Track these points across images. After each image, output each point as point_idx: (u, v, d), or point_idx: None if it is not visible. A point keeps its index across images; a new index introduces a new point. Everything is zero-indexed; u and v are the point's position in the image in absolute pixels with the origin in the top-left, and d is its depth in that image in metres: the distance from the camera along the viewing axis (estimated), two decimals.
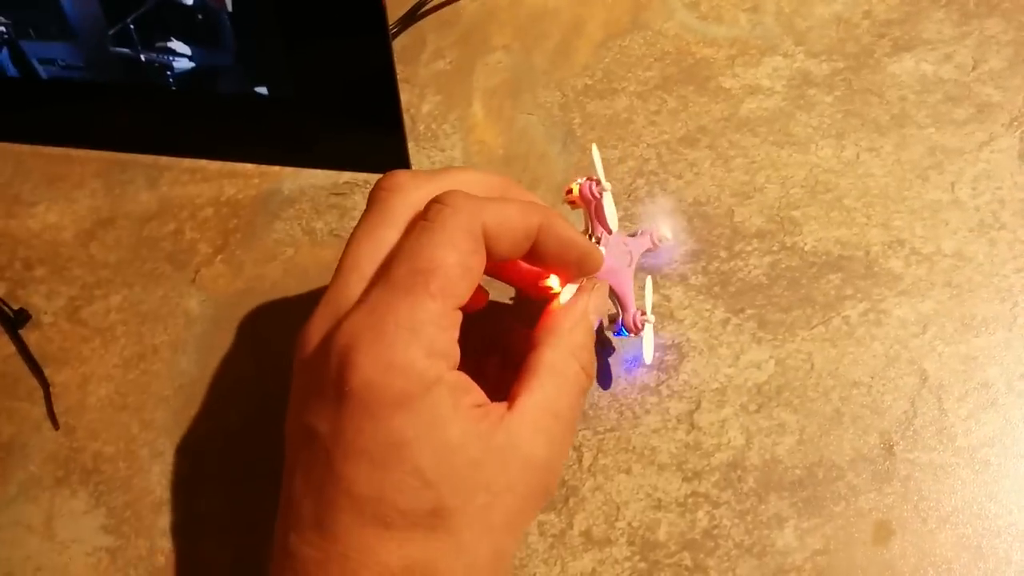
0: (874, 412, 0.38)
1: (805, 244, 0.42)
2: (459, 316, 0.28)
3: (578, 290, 0.33)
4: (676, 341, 0.40)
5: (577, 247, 0.32)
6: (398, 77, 0.43)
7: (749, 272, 0.41)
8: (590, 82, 0.47)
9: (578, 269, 0.33)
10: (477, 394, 0.29)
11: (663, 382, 0.39)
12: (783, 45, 0.47)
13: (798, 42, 0.47)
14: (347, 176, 0.45)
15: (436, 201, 0.29)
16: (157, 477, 0.39)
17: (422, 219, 0.28)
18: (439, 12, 0.49)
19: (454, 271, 0.27)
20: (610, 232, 0.36)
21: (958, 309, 0.40)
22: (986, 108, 0.44)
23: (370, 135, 0.44)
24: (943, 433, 0.38)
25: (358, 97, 0.43)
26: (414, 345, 0.26)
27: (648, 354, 0.38)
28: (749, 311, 0.41)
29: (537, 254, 0.31)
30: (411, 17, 0.49)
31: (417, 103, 0.47)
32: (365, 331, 0.26)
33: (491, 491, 0.27)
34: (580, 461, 0.38)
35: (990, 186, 0.43)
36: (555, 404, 0.30)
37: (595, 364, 0.32)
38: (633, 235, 0.39)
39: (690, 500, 0.37)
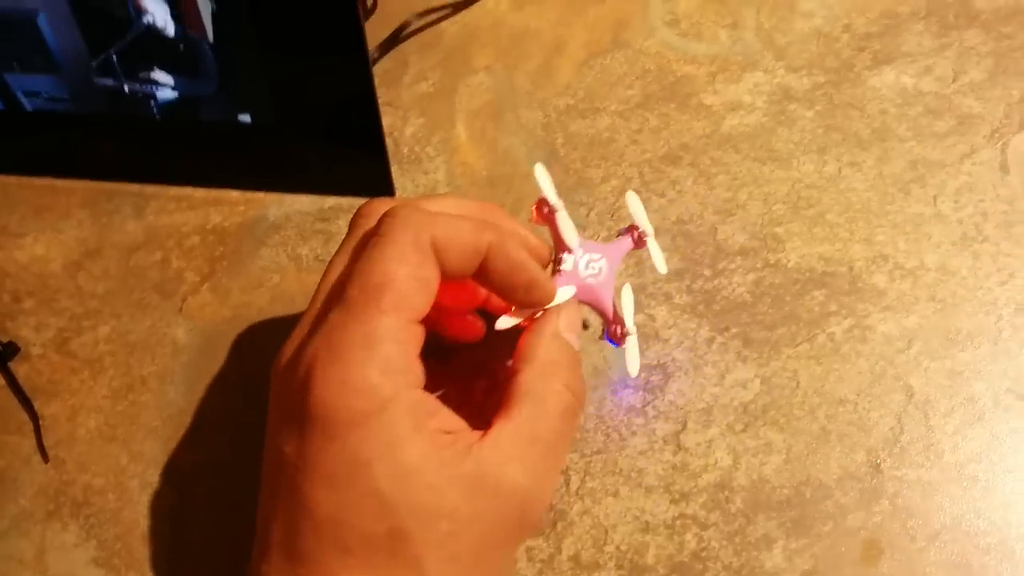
0: (860, 429, 0.38)
1: (789, 261, 0.42)
2: (419, 331, 0.28)
3: (545, 311, 0.32)
4: (661, 361, 0.40)
5: (526, 272, 0.30)
6: (381, 100, 0.43)
7: (733, 290, 0.42)
8: (572, 102, 0.47)
9: (526, 296, 0.31)
10: (445, 417, 0.28)
11: (649, 403, 0.39)
12: (763, 61, 0.47)
13: (778, 57, 0.47)
14: (332, 201, 0.46)
15: (387, 215, 0.28)
16: (146, 509, 0.39)
17: (373, 233, 0.28)
18: (421, 35, 0.50)
19: (406, 284, 0.27)
20: (570, 251, 0.34)
21: (943, 323, 0.40)
22: (967, 120, 0.44)
23: (354, 159, 0.44)
24: (930, 449, 0.38)
25: (340, 122, 0.44)
26: (369, 363, 0.26)
27: (632, 367, 0.37)
28: (734, 329, 0.41)
29: (486, 274, 0.30)
30: (393, 40, 0.49)
31: (400, 126, 0.47)
32: (322, 352, 0.26)
33: (454, 519, 0.26)
34: (568, 484, 0.38)
35: (972, 199, 0.43)
36: (533, 428, 0.28)
37: (581, 382, 0.31)
38: (611, 240, 0.37)
39: (678, 522, 0.37)
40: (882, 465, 0.38)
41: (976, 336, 0.40)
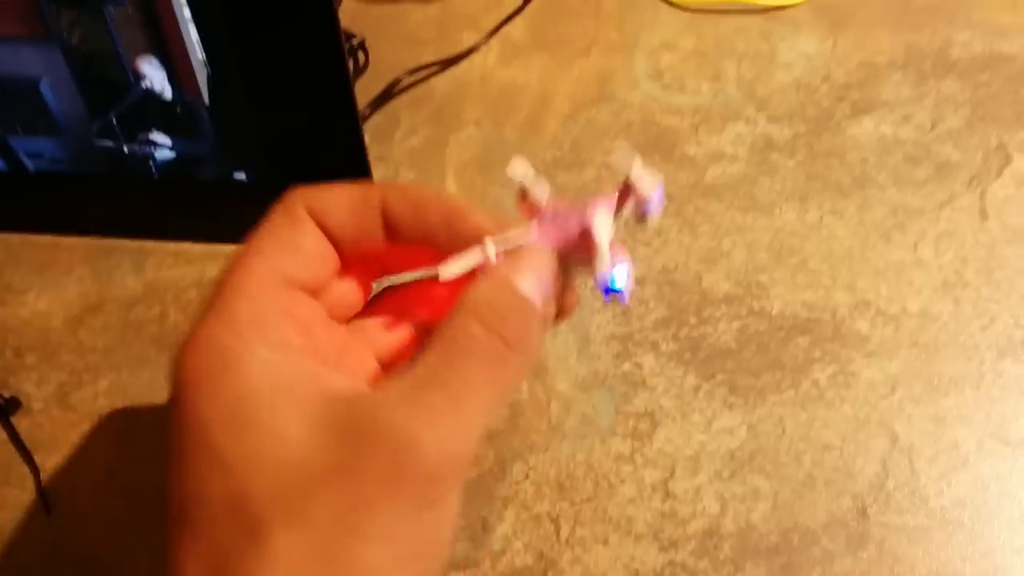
0: (846, 475, 0.39)
1: (772, 308, 0.43)
2: (293, 295, 0.25)
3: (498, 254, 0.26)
4: (649, 408, 0.41)
5: (436, 205, 0.26)
6: (373, 155, 0.44)
7: (719, 337, 0.42)
8: (559, 154, 0.48)
9: (450, 234, 0.26)
10: (332, 378, 0.24)
11: (637, 450, 0.40)
12: (745, 111, 0.48)
13: (759, 108, 0.48)
14: None
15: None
16: (146, 563, 0.40)
17: None
18: (412, 90, 0.51)
19: (269, 248, 0.25)
20: (541, 208, 0.28)
21: (925, 369, 0.41)
22: (945, 167, 0.45)
23: None
24: (916, 495, 0.38)
25: (333, 177, 0.45)
26: (214, 321, 0.24)
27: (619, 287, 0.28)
28: (720, 376, 0.41)
29: (396, 227, 0.26)
30: (385, 97, 0.51)
31: (392, 179, 0.48)
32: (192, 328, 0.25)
33: (308, 471, 0.22)
34: (558, 533, 0.39)
35: (952, 244, 0.43)
36: (433, 372, 0.23)
37: (523, 332, 0.24)
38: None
39: (667, 570, 0.38)
40: (868, 511, 0.38)
41: (959, 381, 0.40)
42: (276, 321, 0.24)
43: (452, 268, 0.26)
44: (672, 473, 0.39)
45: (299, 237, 0.26)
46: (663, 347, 0.42)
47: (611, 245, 0.27)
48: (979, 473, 0.38)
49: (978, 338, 0.41)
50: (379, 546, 0.21)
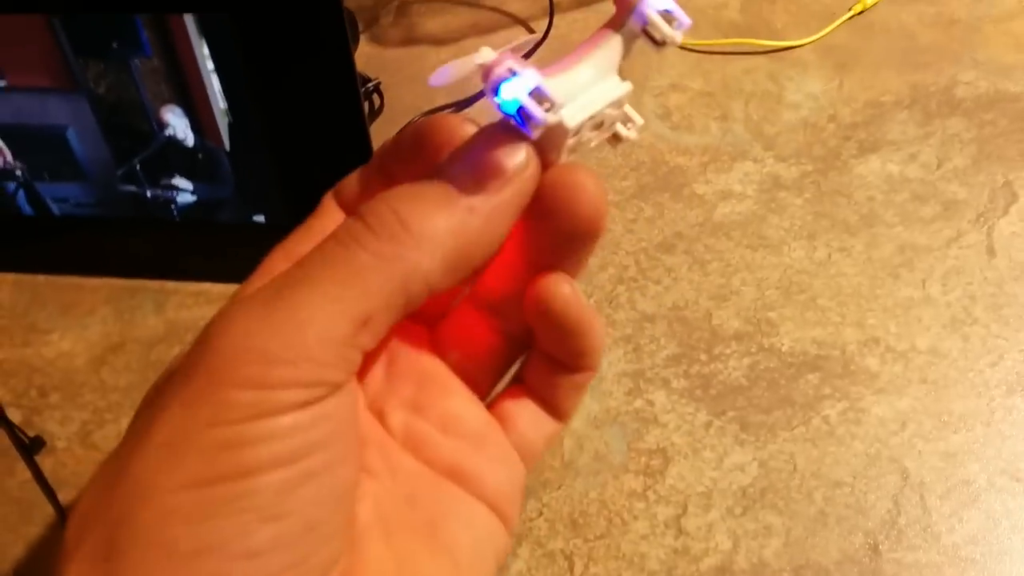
0: (858, 512, 0.39)
1: (782, 345, 0.43)
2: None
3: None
4: (661, 445, 0.41)
5: (432, 127, 0.20)
6: None
7: (729, 374, 0.43)
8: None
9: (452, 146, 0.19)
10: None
11: (650, 487, 0.40)
12: (753, 150, 0.49)
13: (767, 147, 0.49)
14: None
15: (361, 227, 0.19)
16: None
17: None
18: None
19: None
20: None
21: (935, 406, 0.41)
22: (952, 205, 0.46)
23: None
24: (927, 532, 0.38)
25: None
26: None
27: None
28: (731, 413, 0.42)
29: (402, 166, 0.20)
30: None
31: None
32: None
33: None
34: (572, 570, 0.39)
35: (960, 282, 0.44)
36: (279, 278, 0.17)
37: (382, 205, 0.18)
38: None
39: None
40: (880, 547, 0.38)
41: (968, 418, 0.40)
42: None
43: (441, 75, 0.19)
44: (684, 510, 0.40)
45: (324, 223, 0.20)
46: (674, 384, 0.43)
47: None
48: (990, 509, 0.38)
49: (987, 375, 0.41)
50: (155, 452, 0.16)
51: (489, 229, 0.18)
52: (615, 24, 0.19)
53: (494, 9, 0.54)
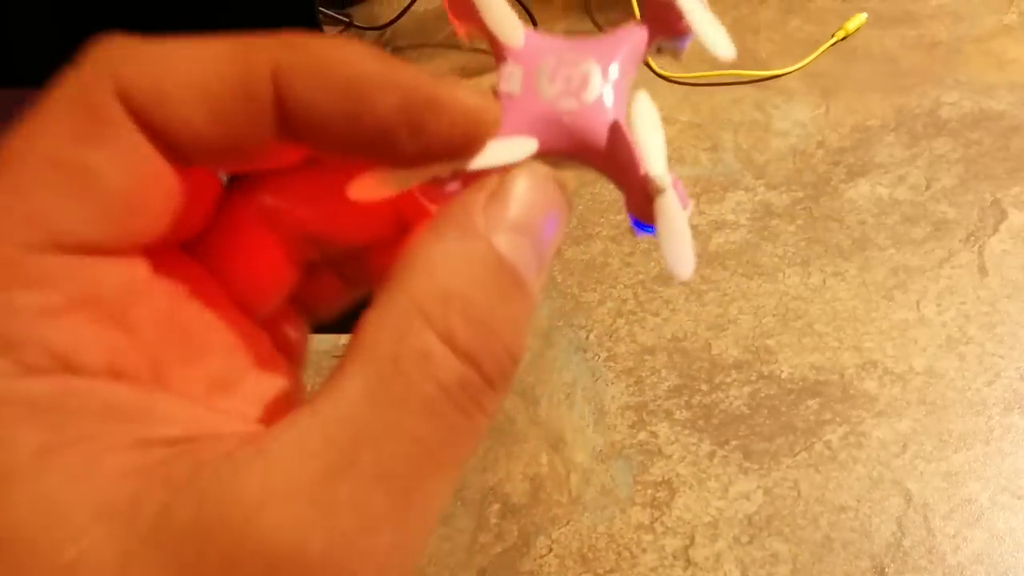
0: (863, 536, 0.39)
1: (782, 372, 0.44)
2: (63, 260, 0.13)
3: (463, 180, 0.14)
4: (666, 477, 0.42)
5: (384, 80, 0.13)
6: None
7: (731, 403, 0.43)
8: (566, 229, 0.50)
9: (410, 129, 0.13)
10: (154, 415, 0.13)
11: (657, 519, 0.41)
12: (744, 180, 0.50)
13: (758, 176, 0.50)
14: (346, 339, 0.48)
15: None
16: None
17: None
18: None
19: (24, 171, 0.13)
20: (507, 57, 0.15)
21: (935, 426, 0.41)
22: (943, 225, 0.47)
23: (365, 300, 0.47)
24: (932, 553, 0.39)
25: None
26: None
27: (680, 259, 0.14)
28: (734, 442, 0.42)
29: (311, 130, 0.13)
30: None
31: None
32: None
33: None
34: None
35: (954, 301, 0.44)
36: (348, 433, 0.12)
37: (511, 341, 0.13)
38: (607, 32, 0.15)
39: None
40: (887, 570, 0.38)
41: (968, 437, 0.41)
42: (43, 330, 0.12)
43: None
44: (692, 540, 0.40)
45: (94, 156, 0.13)
46: (677, 415, 0.43)
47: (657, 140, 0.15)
48: (994, 528, 0.39)
49: (985, 393, 0.42)
50: None
51: None
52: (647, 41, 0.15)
53: (482, 51, 0.56)
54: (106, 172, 0.13)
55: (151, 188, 0.13)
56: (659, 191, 0.14)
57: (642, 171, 0.14)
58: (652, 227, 0.15)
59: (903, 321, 0.44)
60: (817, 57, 0.54)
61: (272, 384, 0.15)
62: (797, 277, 0.46)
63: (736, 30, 0.54)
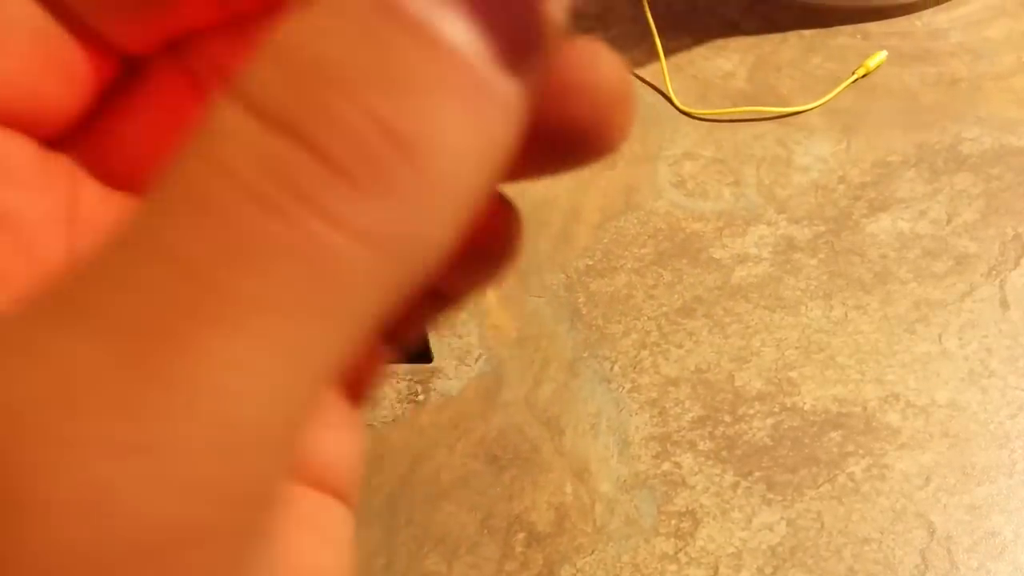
0: (887, 568, 0.40)
1: (804, 404, 0.44)
2: None
3: None
4: (690, 507, 0.42)
5: None
6: None
7: (754, 435, 0.44)
8: (591, 262, 0.51)
9: None
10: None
11: (681, 549, 0.41)
12: (766, 214, 0.51)
13: (780, 210, 0.51)
14: None
15: None
16: None
17: None
18: None
19: None
20: None
21: (958, 459, 0.42)
22: (964, 260, 0.47)
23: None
24: None
25: None
26: None
27: None
28: (757, 473, 0.43)
29: None
30: None
31: None
32: None
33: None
34: None
35: (976, 335, 0.45)
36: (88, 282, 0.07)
37: (339, 101, 0.07)
38: None
39: None
40: None
41: (991, 470, 0.41)
42: None
43: None
44: (716, 571, 0.41)
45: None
46: (700, 446, 0.44)
47: None
48: (1018, 561, 0.39)
49: (1008, 426, 0.42)
50: None
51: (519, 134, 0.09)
52: None
53: None
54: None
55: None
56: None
57: None
58: None
59: (925, 354, 0.45)
60: (838, 94, 0.55)
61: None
62: (819, 310, 0.47)
63: (758, 67, 0.56)
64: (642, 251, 0.51)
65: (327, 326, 0.07)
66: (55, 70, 0.09)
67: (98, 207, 0.10)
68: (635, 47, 0.57)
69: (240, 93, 0.07)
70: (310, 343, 0.07)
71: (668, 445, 0.44)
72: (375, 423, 0.47)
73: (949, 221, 0.49)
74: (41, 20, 0.09)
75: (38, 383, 0.07)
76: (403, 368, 0.48)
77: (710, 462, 0.43)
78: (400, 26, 0.07)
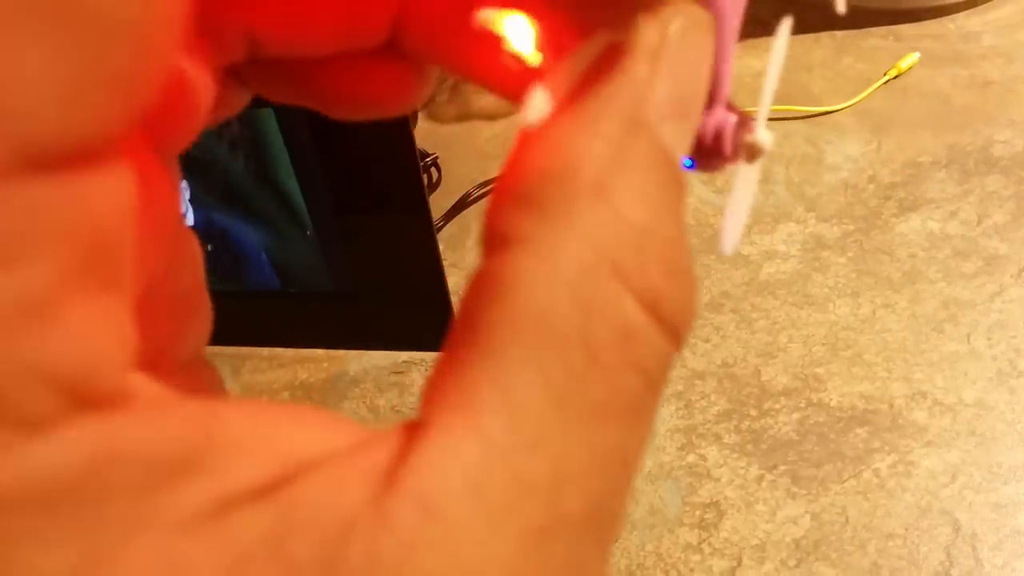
0: (911, 564, 0.40)
1: (831, 400, 0.45)
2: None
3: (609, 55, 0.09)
4: (714, 499, 0.43)
5: None
6: (447, 262, 0.48)
7: (779, 429, 0.44)
8: None
9: None
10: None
11: (704, 540, 0.42)
12: (795, 212, 0.51)
13: (809, 208, 0.51)
14: (405, 356, 0.50)
15: None
16: None
17: None
18: (483, 202, 0.55)
19: None
20: None
21: (984, 457, 0.42)
22: (994, 260, 0.47)
23: (423, 317, 0.49)
24: None
25: (411, 285, 0.49)
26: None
27: (737, 230, 0.11)
28: (782, 467, 0.43)
29: None
30: (458, 208, 0.55)
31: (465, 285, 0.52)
32: None
33: None
34: None
35: (1005, 335, 0.45)
36: (546, 473, 0.08)
37: (691, 297, 0.09)
38: None
39: None
40: None
41: (1018, 469, 0.41)
42: (35, 340, 0.07)
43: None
44: (739, 562, 0.41)
45: None
46: (726, 439, 0.44)
47: None
48: None
49: None
50: None
51: None
52: None
53: None
54: None
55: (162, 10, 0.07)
56: (758, 154, 0.11)
57: (727, 109, 0.11)
58: (698, 167, 0.11)
59: (953, 353, 0.45)
60: (869, 95, 0.55)
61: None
62: (847, 308, 0.47)
63: (790, 67, 0.56)
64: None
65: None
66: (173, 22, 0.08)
67: None
68: None
69: (634, 287, 0.08)
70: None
71: (693, 437, 0.44)
72: (404, 411, 0.48)
73: (979, 222, 0.49)
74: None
75: None
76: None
77: (735, 455, 0.44)
78: (683, 199, 0.09)
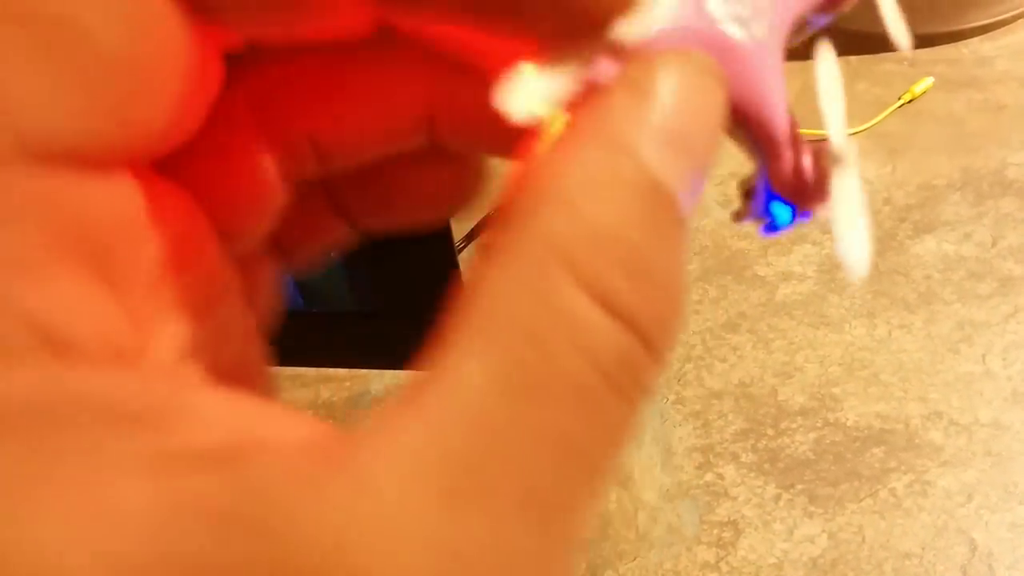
0: None
1: (847, 419, 0.45)
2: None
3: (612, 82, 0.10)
4: (732, 518, 0.43)
5: None
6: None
7: (796, 448, 0.45)
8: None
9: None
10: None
11: (722, 559, 0.42)
12: (811, 233, 0.52)
13: (825, 230, 0.52)
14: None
15: None
16: None
17: None
18: None
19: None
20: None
21: (1000, 477, 0.42)
22: (1008, 282, 0.48)
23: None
24: None
25: (432, 303, 0.50)
26: None
27: (858, 248, 0.12)
28: (799, 486, 0.44)
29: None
30: (478, 230, 0.56)
31: None
32: None
33: None
34: None
35: (1020, 356, 0.45)
36: (478, 449, 0.08)
37: (660, 299, 0.09)
38: None
39: None
40: None
41: None
42: (19, 288, 0.08)
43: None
44: None
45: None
46: (743, 458, 0.45)
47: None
48: None
49: None
50: None
51: None
52: None
53: None
54: (96, 26, 0.08)
55: (159, 53, 0.08)
56: (838, 161, 0.11)
57: (794, 145, 0.11)
58: (805, 213, 0.12)
59: (968, 374, 0.45)
60: (884, 118, 0.56)
61: (247, 350, 0.11)
62: (863, 328, 0.48)
63: (806, 92, 0.57)
64: (688, 267, 0.52)
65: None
66: (172, 69, 0.09)
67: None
68: None
69: (586, 282, 0.08)
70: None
71: (711, 456, 0.45)
72: None
73: (994, 244, 0.49)
74: (170, 11, 0.09)
75: None
76: None
77: (752, 474, 0.44)
78: (674, 218, 0.10)
